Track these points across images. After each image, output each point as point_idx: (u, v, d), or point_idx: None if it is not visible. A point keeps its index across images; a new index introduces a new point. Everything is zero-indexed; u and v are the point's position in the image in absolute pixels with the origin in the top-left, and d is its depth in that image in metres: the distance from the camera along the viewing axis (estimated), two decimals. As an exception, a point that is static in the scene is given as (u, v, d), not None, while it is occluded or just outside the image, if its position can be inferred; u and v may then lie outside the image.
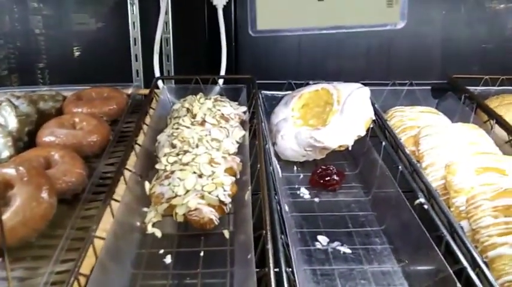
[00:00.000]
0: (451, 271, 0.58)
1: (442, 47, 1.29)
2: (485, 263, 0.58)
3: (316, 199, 0.84)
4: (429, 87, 1.18)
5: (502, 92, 1.15)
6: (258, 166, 0.77)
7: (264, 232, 0.61)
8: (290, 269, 0.58)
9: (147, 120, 0.97)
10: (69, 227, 0.66)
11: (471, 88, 1.11)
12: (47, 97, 1.02)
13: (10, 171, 0.68)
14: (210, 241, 0.71)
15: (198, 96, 1.01)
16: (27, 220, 0.64)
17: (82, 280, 0.55)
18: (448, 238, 0.62)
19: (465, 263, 0.58)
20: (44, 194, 0.66)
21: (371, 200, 0.83)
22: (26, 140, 0.89)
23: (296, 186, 0.88)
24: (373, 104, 0.99)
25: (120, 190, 0.72)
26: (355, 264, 0.68)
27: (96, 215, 0.64)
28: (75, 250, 0.62)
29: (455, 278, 0.57)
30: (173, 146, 0.83)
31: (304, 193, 0.86)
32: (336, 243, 0.72)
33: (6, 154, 0.79)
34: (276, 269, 0.56)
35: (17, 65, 1.29)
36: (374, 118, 0.96)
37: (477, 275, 0.57)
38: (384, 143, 0.87)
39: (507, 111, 1.03)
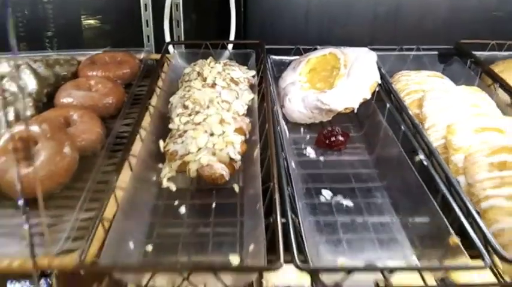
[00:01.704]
0: (446, 221, 0.62)
1: (451, 12, 1.29)
2: (478, 213, 0.62)
3: (322, 158, 0.88)
4: (436, 53, 1.20)
5: (509, 57, 1.16)
6: (267, 126, 0.80)
7: (272, 184, 0.66)
8: (296, 219, 0.63)
9: (159, 83, 1.00)
10: (91, 180, 0.71)
11: (477, 53, 1.13)
12: (63, 61, 1.05)
13: (34, 128, 0.72)
14: (221, 194, 0.76)
15: (208, 61, 1.03)
16: (52, 173, 0.69)
17: (106, 224, 0.60)
18: (445, 191, 0.66)
19: (459, 213, 0.62)
20: (67, 149, 0.71)
21: (374, 159, 0.87)
22: (44, 101, 0.94)
23: (302, 146, 0.91)
24: (379, 68, 1.01)
25: (136, 147, 0.77)
26: (356, 216, 0.73)
27: (116, 169, 0.69)
28: (97, 201, 0.67)
29: (450, 228, 0.61)
30: (185, 107, 0.87)
31: (310, 152, 0.90)
32: (339, 197, 0.76)
33: (27, 113, 0.84)
34: (282, 220, 0.61)
35: (25, 33, 1.31)
36: (380, 82, 0.98)
37: (470, 224, 0.61)
38: (388, 106, 0.90)
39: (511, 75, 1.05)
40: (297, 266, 0.53)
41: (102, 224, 0.59)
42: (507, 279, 0.55)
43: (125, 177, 0.69)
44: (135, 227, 0.66)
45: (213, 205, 0.74)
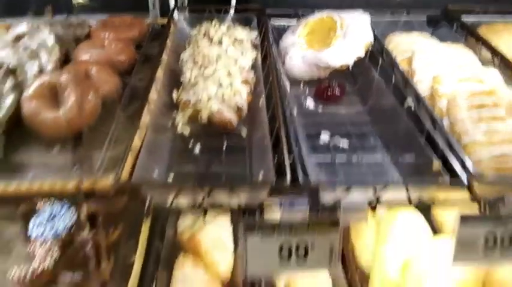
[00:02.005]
0: (430, 154, 0.71)
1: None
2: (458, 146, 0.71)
3: (320, 109, 0.97)
4: (424, 18, 1.27)
5: (494, 21, 1.24)
6: (270, 78, 0.89)
7: (278, 123, 0.74)
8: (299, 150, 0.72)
9: (168, 44, 1.07)
10: (115, 121, 0.79)
11: (464, 17, 1.21)
12: (76, 24, 1.12)
13: (62, 76, 0.79)
14: (231, 138, 0.85)
15: (214, 22, 1.11)
16: (80, 115, 0.77)
17: (133, 155, 0.68)
18: (430, 128, 0.75)
19: (442, 147, 0.71)
20: (91, 95, 0.79)
21: (367, 109, 0.95)
22: (63, 59, 1.01)
23: (302, 99, 1.00)
24: (372, 30, 1.09)
25: (152, 96, 0.85)
26: (351, 155, 0.82)
27: (136, 112, 0.77)
28: (121, 140, 0.75)
29: (440, 163, 0.70)
30: (195, 62, 0.94)
31: (310, 104, 0.98)
32: (335, 139, 0.85)
33: (50, 66, 0.91)
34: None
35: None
36: (373, 42, 1.06)
37: (451, 153, 0.70)
38: (380, 62, 0.99)
39: (496, 37, 1.13)
40: (301, 185, 0.62)
41: (132, 152, 0.67)
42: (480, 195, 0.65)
43: (144, 120, 0.77)
44: (157, 162, 0.75)
45: (224, 148, 0.82)
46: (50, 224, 1.18)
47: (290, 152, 0.71)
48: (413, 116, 0.82)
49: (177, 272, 1.11)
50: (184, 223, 1.20)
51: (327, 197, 0.66)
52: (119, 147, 0.72)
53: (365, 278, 1.07)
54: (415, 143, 0.76)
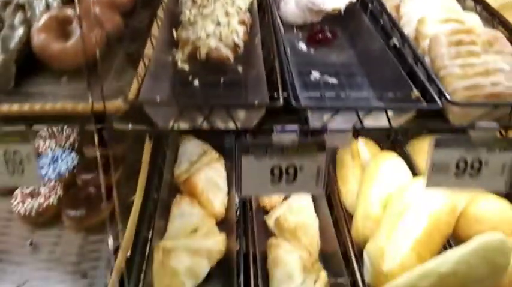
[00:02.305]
0: (411, 84, 0.78)
1: None
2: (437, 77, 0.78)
3: (312, 51, 1.02)
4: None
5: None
6: (266, 19, 0.94)
7: (271, 57, 0.80)
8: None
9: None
10: (120, 55, 0.84)
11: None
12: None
13: (68, 10, 0.84)
14: (228, 74, 0.90)
15: (210, -33, 1.14)
16: (86, 47, 0.81)
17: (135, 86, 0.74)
18: (413, 64, 0.81)
19: (423, 79, 0.78)
20: (97, 29, 0.83)
21: (357, 52, 1.01)
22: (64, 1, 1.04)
23: (295, 42, 1.05)
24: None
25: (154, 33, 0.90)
26: (340, 91, 0.88)
27: (139, 47, 0.82)
28: (126, 72, 0.80)
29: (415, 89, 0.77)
30: (194, 1, 0.99)
31: (302, 47, 1.03)
32: (325, 77, 0.91)
33: (55, 4, 0.94)
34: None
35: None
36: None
37: (430, 83, 0.77)
38: (370, 7, 1.04)
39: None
40: (293, 105, 0.68)
41: (138, 81, 0.73)
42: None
43: (148, 51, 0.83)
44: (159, 91, 0.81)
45: (221, 81, 0.88)
46: (52, 166, 1.25)
47: (283, 82, 0.78)
48: (398, 55, 0.88)
49: (174, 209, 1.20)
50: (181, 168, 1.28)
51: (315, 122, 0.73)
52: (125, 76, 0.78)
53: (349, 216, 1.16)
54: (399, 79, 0.83)
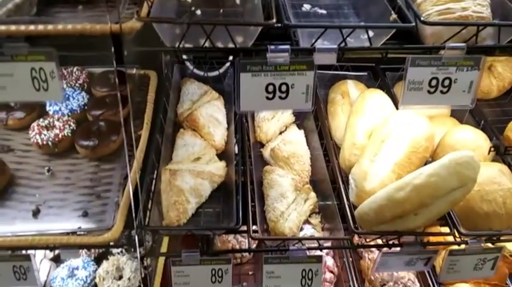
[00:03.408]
0: (391, 11, 0.87)
1: None
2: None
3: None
4: None
5: None
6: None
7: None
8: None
9: None
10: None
11: None
12: None
13: None
14: (226, 5, 0.99)
15: None
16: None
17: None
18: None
19: (403, 6, 0.88)
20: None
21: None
22: None
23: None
24: None
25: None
26: (328, 21, 0.97)
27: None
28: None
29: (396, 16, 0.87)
30: None
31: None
32: (316, 9, 1.01)
33: None
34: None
35: None
36: None
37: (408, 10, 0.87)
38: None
39: None
40: (285, 23, 0.78)
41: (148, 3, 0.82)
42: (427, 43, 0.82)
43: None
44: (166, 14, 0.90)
45: (221, 11, 0.97)
46: (65, 103, 1.35)
47: (277, 10, 0.87)
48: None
49: (178, 140, 1.31)
50: (183, 107, 1.38)
51: (305, 44, 0.83)
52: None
53: (338, 148, 1.28)
54: (382, 9, 0.92)
